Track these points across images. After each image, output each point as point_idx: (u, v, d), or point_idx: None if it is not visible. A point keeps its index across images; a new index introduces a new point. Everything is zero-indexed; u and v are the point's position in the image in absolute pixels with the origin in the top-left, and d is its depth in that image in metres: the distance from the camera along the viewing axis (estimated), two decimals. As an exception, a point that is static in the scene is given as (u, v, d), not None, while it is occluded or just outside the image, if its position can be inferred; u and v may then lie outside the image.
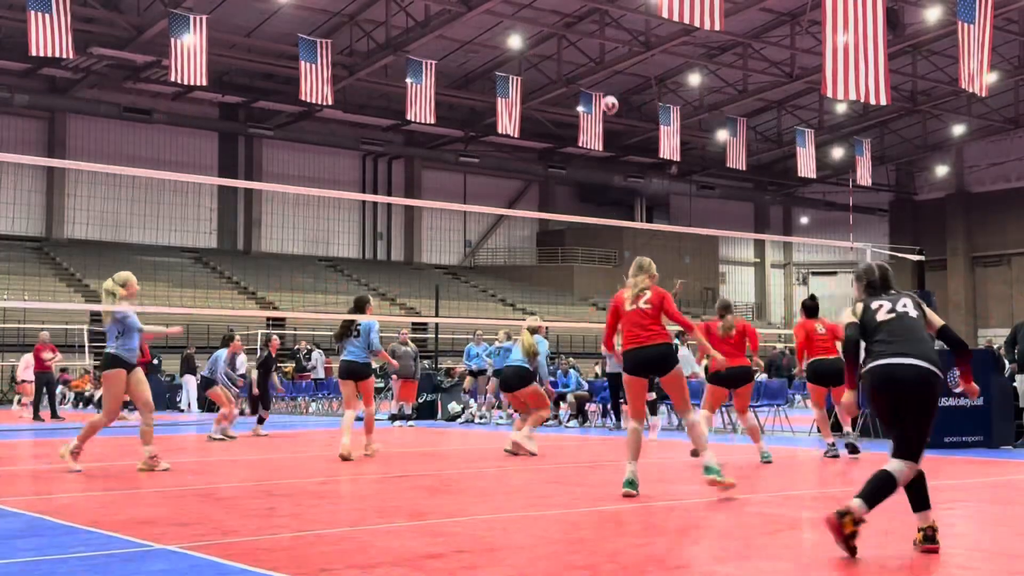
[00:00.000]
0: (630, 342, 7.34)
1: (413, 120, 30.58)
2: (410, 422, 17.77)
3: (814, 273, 51.02)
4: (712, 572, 4.78)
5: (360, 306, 10.89)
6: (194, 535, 5.67)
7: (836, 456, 10.56)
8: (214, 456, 11.86)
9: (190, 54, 26.08)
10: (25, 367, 21.83)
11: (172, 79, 27.30)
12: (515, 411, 12.42)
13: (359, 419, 10.89)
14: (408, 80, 29.38)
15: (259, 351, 19.10)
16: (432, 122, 30.73)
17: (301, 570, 4.65)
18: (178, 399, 25.99)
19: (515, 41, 34.06)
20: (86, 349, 28.94)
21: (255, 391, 15.28)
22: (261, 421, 15.06)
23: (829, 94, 17.81)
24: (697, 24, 18.35)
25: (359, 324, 10.62)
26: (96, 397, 24.40)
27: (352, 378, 10.79)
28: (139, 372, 9.23)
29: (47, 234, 38.38)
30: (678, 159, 35.88)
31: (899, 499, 5.04)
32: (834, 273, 48.83)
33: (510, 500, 7.53)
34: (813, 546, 5.48)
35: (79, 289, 34.09)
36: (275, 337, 17.33)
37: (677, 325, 7.67)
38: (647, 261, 7.67)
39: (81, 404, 27.77)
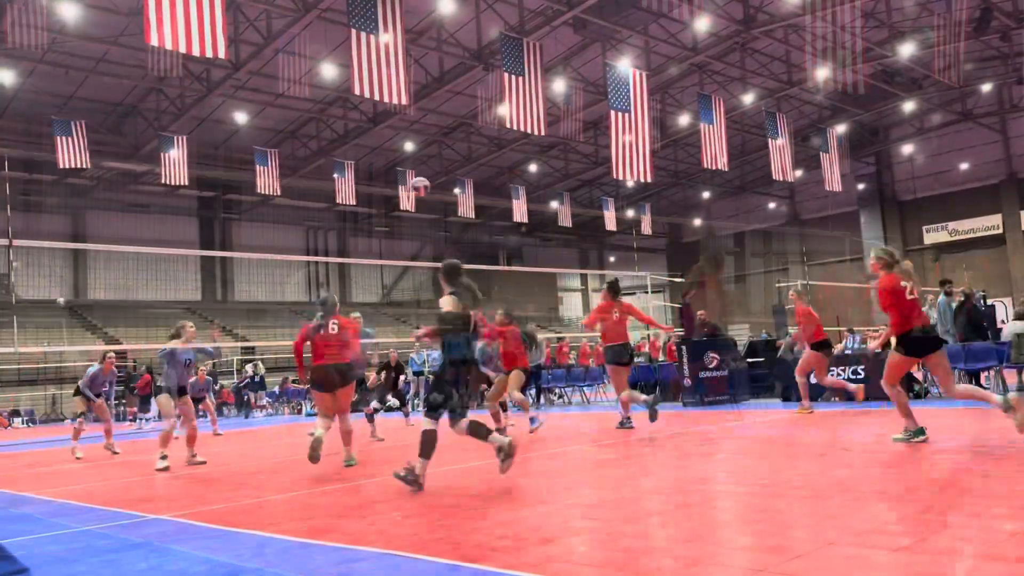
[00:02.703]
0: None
1: (341, 203, 30.25)
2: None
3: (621, 294, 51.99)
4: (545, 500, 4.89)
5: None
6: (180, 506, 5.50)
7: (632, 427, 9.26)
8: (204, 448, 11.42)
9: (175, 163, 25.24)
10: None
11: (163, 181, 26.31)
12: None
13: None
14: (335, 175, 29.07)
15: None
16: (354, 203, 30.47)
17: (257, 525, 4.57)
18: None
19: (409, 145, 34.14)
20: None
21: None
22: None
23: (619, 176, 18.38)
24: (531, 131, 18.72)
25: None
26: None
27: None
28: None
29: (76, 297, 36.46)
30: (526, 221, 36.39)
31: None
32: (633, 293, 50.03)
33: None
34: (610, 477, 5.61)
35: (101, 336, 32.54)
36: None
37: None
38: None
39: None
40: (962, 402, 10.06)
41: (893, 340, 6.18)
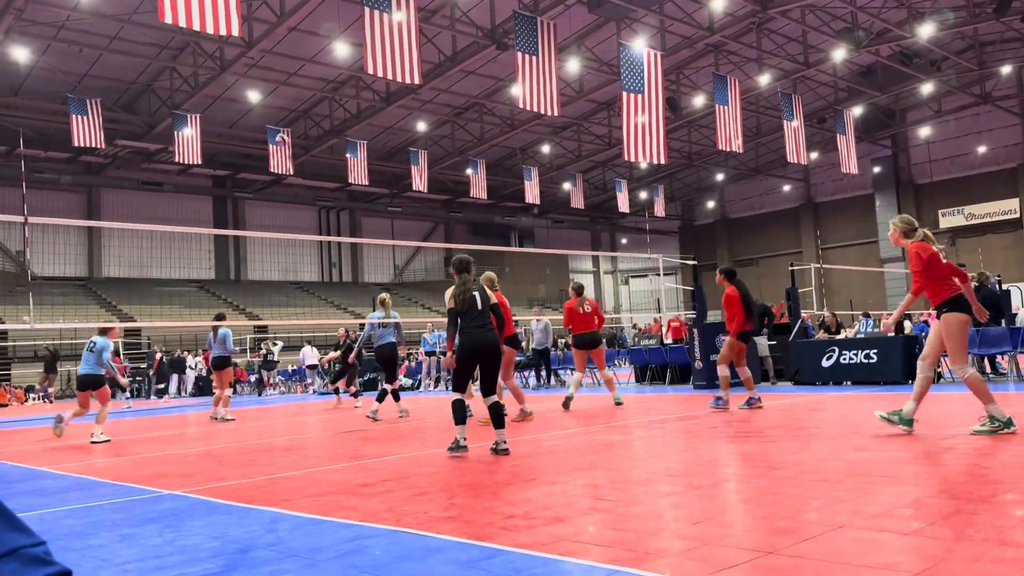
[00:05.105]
0: None
1: (353, 183, 30.25)
2: (364, 393, 17.52)
3: (632, 276, 52.11)
4: (555, 480, 4.92)
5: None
6: (194, 483, 5.56)
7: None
8: (216, 425, 11.53)
9: (189, 142, 25.26)
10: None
11: (176, 160, 26.36)
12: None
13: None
14: (347, 155, 29.05)
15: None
16: (367, 183, 30.45)
17: (269, 502, 4.61)
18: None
19: (421, 126, 34.00)
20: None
21: None
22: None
23: (631, 158, 18.29)
24: (544, 112, 18.66)
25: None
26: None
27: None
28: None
29: (90, 274, 36.68)
30: (538, 203, 36.30)
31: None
32: (645, 275, 49.98)
33: (421, 443, 7.54)
34: (620, 458, 5.65)
35: (115, 313, 32.67)
36: None
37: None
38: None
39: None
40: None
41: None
